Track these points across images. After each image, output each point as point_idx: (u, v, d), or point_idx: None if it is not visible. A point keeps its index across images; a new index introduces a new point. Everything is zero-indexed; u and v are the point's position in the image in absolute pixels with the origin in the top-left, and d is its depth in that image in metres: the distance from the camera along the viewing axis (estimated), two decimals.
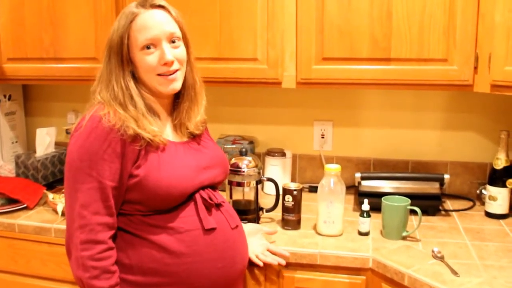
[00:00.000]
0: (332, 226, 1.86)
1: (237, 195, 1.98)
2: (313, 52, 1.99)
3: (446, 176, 2.08)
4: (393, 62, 1.92)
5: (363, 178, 2.14)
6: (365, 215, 1.86)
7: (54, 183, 2.45)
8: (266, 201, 2.17)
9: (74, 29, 2.23)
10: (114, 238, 1.43)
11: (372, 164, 2.40)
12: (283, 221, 1.94)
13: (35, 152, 2.48)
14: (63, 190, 2.11)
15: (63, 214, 2.04)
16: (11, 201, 2.17)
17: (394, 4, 1.88)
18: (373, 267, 1.71)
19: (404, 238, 1.84)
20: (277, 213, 1.99)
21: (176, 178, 1.44)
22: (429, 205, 2.07)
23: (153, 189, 1.40)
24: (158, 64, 1.44)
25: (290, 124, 2.48)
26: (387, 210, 1.84)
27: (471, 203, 2.22)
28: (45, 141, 2.48)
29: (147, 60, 1.44)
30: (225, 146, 2.36)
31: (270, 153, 2.38)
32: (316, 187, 1.91)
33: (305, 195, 2.07)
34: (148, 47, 1.43)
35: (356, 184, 2.17)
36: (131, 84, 1.45)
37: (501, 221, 2.03)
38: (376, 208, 1.91)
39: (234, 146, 2.36)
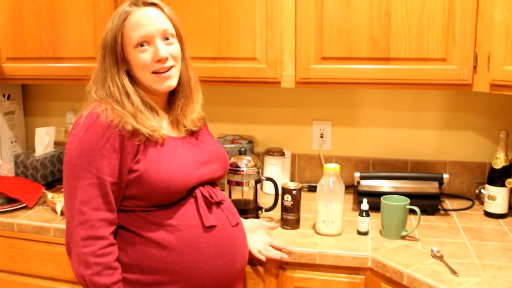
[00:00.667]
0: (331, 225, 1.86)
1: (236, 194, 1.98)
2: (312, 51, 1.99)
3: (445, 176, 2.08)
4: (392, 61, 1.92)
5: (362, 178, 2.14)
6: (364, 214, 1.86)
7: (53, 183, 2.45)
8: (265, 200, 2.17)
9: (73, 29, 2.23)
10: (115, 234, 1.43)
11: (371, 163, 2.40)
12: (282, 220, 1.94)
13: (34, 151, 2.48)
14: (62, 190, 2.11)
15: (62, 213, 2.04)
16: (10, 200, 2.17)
17: (393, 4, 1.88)
18: (372, 266, 1.71)
19: (403, 237, 1.84)
20: (276, 213, 1.99)
21: (176, 171, 1.44)
22: (428, 204, 2.07)
23: (153, 183, 1.40)
24: (152, 61, 1.45)
25: (289, 124, 2.48)
26: (386, 210, 1.84)
27: (470, 203, 2.22)
28: (44, 141, 2.48)
29: (141, 58, 1.44)
30: (224, 145, 2.36)
31: (269, 152, 2.38)
32: (315, 187, 1.91)
33: (304, 195, 2.07)
34: (141, 45, 1.44)
35: (355, 183, 2.17)
36: (126, 82, 1.46)
37: (500, 220, 2.03)
38: (375, 207, 1.92)
39: (233, 145, 2.36)
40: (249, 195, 1.98)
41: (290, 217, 1.92)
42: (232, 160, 1.95)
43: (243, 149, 1.98)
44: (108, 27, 1.47)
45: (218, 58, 2.08)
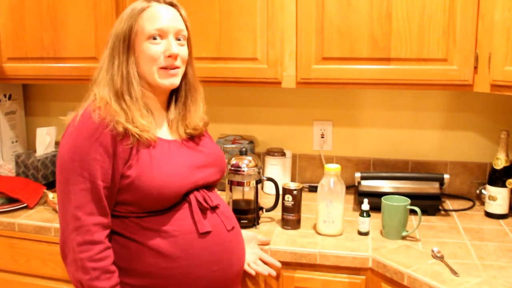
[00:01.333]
0: (332, 225, 1.86)
1: (237, 194, 1.98)
2: (313, 52, 1.99)
3: (446, 176, 2.08)
4: (393, 62, 1.92)
5: (363, 178, 2.14)
6: (364, 214, 1.86)
7: (54, 183, 2.44)
8: (266, 200, 2.17)
9: (74, 29, 2.23)
10: (109, 238, 1.42)
11: (372, 164, 2.40)
12: (283, 220, 1.94)
13: (35, 151, 2.49)
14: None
15: None
16: (11, 200, 2.17)
17: (394, 4, 1.88)
18: (373, 266, 1.71)
19: (403, 238, 1.84)
20: (277, 213, 1.99)
21: (169, 177, 1.42)
22: (429, 205, 2.07)
23: (146, 190, 1.39)
24: (163, 55, 1.44)
25: (290, 124, 2.48)
26: (386, 210, 1.84)
27: (470, 203, 2.22)
28: (45, 141, 2.49)
29: (152, 49, 1.44)
30: (225, 145, 2.36)
31: (270, 152, 2.38)
32: (316, 187, 1.92)
33: (305, 195, 2.07)
34: (154, 38, 1.44)
35: (356, 184, 2.17)
36: (133, 71, 1.44)
37: (501, 221, 2.03)
38: (375, 208, 1.92)
39: (234, 145, 2.36)
40: (250, 195, 1.98)
41: (291, 217, 1.92)
42: (233, 160, 1.95)
43: (244, 149, 1.98)
44: (122, 18, 1.46)
45: (218, 58, 2.09)
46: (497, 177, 2.04)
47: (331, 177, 1.86)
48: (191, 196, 1.48)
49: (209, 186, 1.57)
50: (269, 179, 2.02)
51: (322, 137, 2.44)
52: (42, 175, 2.41)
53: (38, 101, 2.81)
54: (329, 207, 1.84)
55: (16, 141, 2.70)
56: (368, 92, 2.36)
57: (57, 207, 2.03)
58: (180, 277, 1.43)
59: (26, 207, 2.16)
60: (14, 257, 2.07)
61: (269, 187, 2.35)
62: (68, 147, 1.38)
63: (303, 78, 2.02)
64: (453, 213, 2.12)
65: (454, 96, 2.28)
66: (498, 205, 2.04)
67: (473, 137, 2.30)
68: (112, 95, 1.42)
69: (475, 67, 1.85)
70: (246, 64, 2.06)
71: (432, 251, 1.70)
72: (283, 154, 2.37)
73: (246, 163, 1.94)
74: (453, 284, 1.50)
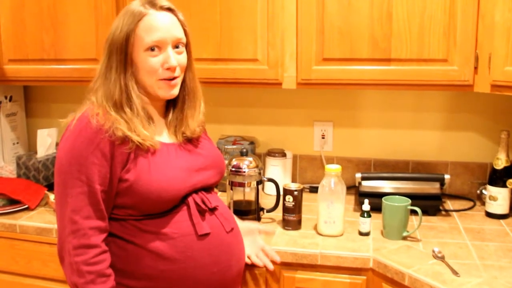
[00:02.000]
0: (333, 226, 1.86)
1: (238, 195, 1.99)
2: (313, 52, 1.99)
3: (447, 176, 2.08)
4: (393, 62, 1.93)
5: (363, 179, 2.14)
6: (365, 215, 1.86)
7: (54, 187, 2.45)
8: (267, 201, 2.17)
9: (75, 30, 2.23)
10: (107, 241, 1.42)
11: (373, 164, 2.40)
12: (284, 221, 1.94)
13: (36, 153, 2.49)
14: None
15: None
16: (12, 201, 2.18)
17: (394, 5, 1.89)
18: (374, 267, 1.71)
19: (404, 238, 1.84)
20: (278, 214, 1.99)
21: (167, 181, 1.42)
22: (430, 205, 2.07)
23: (144, 193, 1.38)
24: (161, 67, 1.43)
25: (291, 125, 2.48)
26: (387, 210, 1.84)
27: (471, 203, 2.22)
28: (46, 142, 2.49)
29: (151, 62, 1.42)
30: (225, 146, 2.36)
31: (271, 153, 2.38)
32: (317, 188, 1.92)
33: (306, 196, 2.07)
34: (152, 49, 1.41)
35: (357, 184, 2.17)
36: (132, 84, 1.43)
37: (502, 221, 2.03)
38: (376, 208, 1.92)
39: (234, 146, 2.36)
40: (251, 196, 1.98)
41: (292, 218, 1.92)
42: (234, 161, 1.95)
43: (244, 150, 1.98)
44: (119, 24, 1.42)
45: (219, 59, 2.09)
46: (497, 177, 2.04)
47: (332, 178, 1.86)
48: (190, 199, 1.48)
49: (208, 188, 1.57)
50: (270, 180, 2.02)
51: (323, 138, 2.44)
52: (43, 176, 2.42)
53: (39, 102, 2.81)
54: (330, 208, 1.84)
55: (17, 143, 2.71)
56: (368, 93, 2.37)
57: None
58: (179, 279, 1.43)
59: (27, 209, 2.16)
60: (15, 259, 2.07)
61: (270, 188, 2.35)
62: (66, 150, 1.38)
63: (304, 79, 2.02)
64: (454, 213, 2.12)
65: (455, 97, 2.28)
66: (498, 205, 2.04)
67: (474, 137, 2.30)
68: (111, 105, 1.41)
69: (476, 68, 1.85)
70: (247, 65, 2.07)
71: (433, 251, 1.71)
72: (283, 155, 2.38)
73: (246, 164, 1.94)
74: (454, 285, 1.50)
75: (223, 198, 1.70)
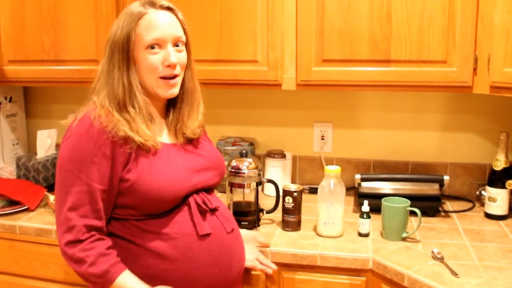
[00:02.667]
0: (332, 227, 1.86)
1: (238, 196, 1.99)
2: (313, 54, 1.99)
3: (446, 177, 2.08)
4: (393, 63, 1.93)
5: (363, 180, 2.14)
6: (365, 216, 1.86)
7: (55, 185, 2.45)
8: (267, 202, 2.17)
9: (75, 31, 2.23)
10: (112, 244, 1.42)
11: (372, 165, 2.41)
12: (283, 222, 1.94)
13: (36, 154, 2.49)
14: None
15: None
16: (12, 202, 2.18)
17: (394, 6, 1.89)
18: (373, 268, 1.71)
19: (404, 239, 1.84)
20: (277, 215, 1.99)
21: (168, 180, 1.42)
22: (429, 206, 2.07)
23: (145, 193, 1.39)
24: (162, 65, 1.43)
25: (290, 126, 2.48)
26: (387, 211, 1.84)
27: (470, 204, 2.22)
28: (46, 143, 2.49)
29: (151, 60, 1.43)
30: (225, 147, 2.36)
31: (270, 154, 2.38)
32: (316, 189, 1.92)
33: (305, 197, 2.07)
34: (152, 47, 1.42)
35: (356, 185, 2.17)
36: (136, 82, 1.43)
37: (501, 222, 2.04)
38: (376, 209, 1.92)
39: (234, 147, 2.37)
40: (250, 197, 1.98)
41: (291, 219, 1.92)
42: (233, 162, 1.96)
43: (244, 151, 1.98)
44: (119, 24, 1.44)
45: (219, 60, 2.09)
46: (496, 178, 2.05)
47: (331, 179, 1.86)
48: (191, 199, 1.48)
49: (208, 189, 1.57)
50: (270, 181, 2.02)
51: (322, 139, 2.45)
52: (43, 177, 2.42)
53: (38, 103, 2.81)
54: (330, 209, 1.85)
55: (17, 144, 2.71)
56: (368, 94, 2.37)
57: None
58: (180, 280, 1.43)
59: (27, 210, 2.16)
60: (15, 260, 2.07)
61: (269, 189, 2.35)
62: (68, 149, 1.39)
63: (303, 80, 2.02)
64: (453, 214, 2.12)
65: (454, 98, 2.29)
66: (498, 206, 2.05)
67: (473, 138, 2.30)
68: (114, 106, 1.41)
69: (475, 69, 1.86)
70: (247, 66, 2.07)
71: (432, 252, 1.71)
72: (283, 156, 2.38)
73: (246, 165, 1.94)
74: (453, 285, 1.50)
75: (222, 199, 1.70)
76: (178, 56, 1.46)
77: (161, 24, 1.43)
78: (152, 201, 1.40)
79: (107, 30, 2.14)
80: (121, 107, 1.42)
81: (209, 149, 1.65)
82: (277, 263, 1.77)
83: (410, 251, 1.75)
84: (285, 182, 2.32)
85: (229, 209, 1.89)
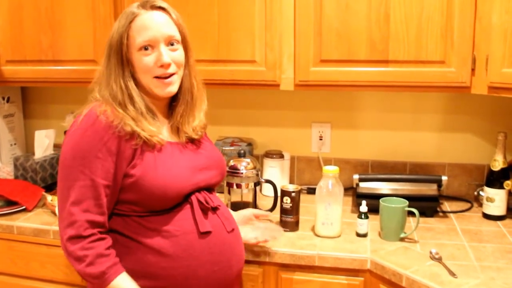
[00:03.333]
0: (330, 227, 1.86)
1: (236, 196, 1.99)
2: (311, 54, 1.99)
3: (444, 178, 2.09)
4: (391, 64, 1.93)
5: (361, 180, 2.14)
6: (363, 216, 1.86)
7: (53, 185, 2.45)
8: (265, 202, 2.17)
9: (73, 32, 2.23)
10: (114, 241, 1.43)
11: (370, 165, 2.41)
12: (281, 222, 1.94)
13: (33, 154, 2.49)
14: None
15: None
16: (10, 203, 2.17)
17: (392, 7, 1.89)
18: (371, 268, 1.71)
19: (402, 239, 1.84)
20: (275, 215, 1.99)
21: (172, 178, 1.43)
22: (427, 206, 2.07)
23: (149, 189, 1.40)
24: (155, 65, 1.44)
25: (289, 126, 2.48)
26: (385, 212, 1.84)
27: (468, 205, 2.23)
28: (44, 143, 2.49)
29: (144, 61, 1.44)
30: (223, 148, 2.36)
31: (269, 155, 2.38)
32: (314, 189, 1.92)
33: (303, 197, 2.07)
34: (145, 48, 1.44)
35: (354, 185, 2.17)
36: (131, 84, 1.45)
37: (499, 222, 2.04)
38: (374, 209, 1.92)
39: (232, 148, 2.36)
40: (248, 198, 1.98)
41: (289, 219, 1.92)
42: (231, 162, 1.96)
43: (242, 151, 1.98)
44: (115, 27, 1.47)
45: (217, 60, 2.09)
46: (494, 179, 2.05)
47: (330, 179, 1.86)
48: (193, 197, 1.49)
49: (209, 189, 1.58)
50: (268, 181, 2.02)
51: (321, 139, 2.45)
52: (41, 177, 2.41)
53: (36, 103, 2.81)
54: (328, 209, 1.85)
55: (15, 144, 2.70)
56: (366, 94, 2.37)
57: (55, 210, 2.04)
58: (181, 277, 1.43)
59: (25, 210, 2.16)
60: (13, 260, 2.07)
61: (267, 189, 2.35)
62: (72, 145, 1.39)
63: (302, 81, 2.02)
64: (451, 214, 2.12)
65: (452, 98, 2.29)
66: (496, 207, 2.05)
67: (471, 139, 2.30)
68: (116, 105, 1.43)
69: (473, 69, 1.86)
70: (245, 66, 2.07)
71: (430, 252, 1.71)
72: (281, 156, 2.38)
73: (244, 165, 1.95)
74: (451, 286, 1.50)
75: (220, 199, 1.70)
76: (171, 55, 1.46)
77: (152, 24, 1.44)
78: (155, 197, 1.41)
79: (105, 31, 2.16)
80: (123, 107, 1.43)
81: (210, 149, 1.66)
82: (275, 263, 1.78)
83: (408, 251, 1.75)
84: (283, 182, 2.32)
85: None
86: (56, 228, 1.98)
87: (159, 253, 1.42)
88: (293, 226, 1.93)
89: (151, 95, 1.50)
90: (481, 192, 2.17)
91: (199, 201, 1.49)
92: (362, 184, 2.15)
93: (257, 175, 1.97)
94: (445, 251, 1.74)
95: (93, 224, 1.38)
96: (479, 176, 2.29)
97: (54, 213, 2.08)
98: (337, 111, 2.41)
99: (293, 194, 1.90)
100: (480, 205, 2.15)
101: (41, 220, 2.07)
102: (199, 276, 1.45)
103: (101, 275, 1.36)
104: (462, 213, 2.14)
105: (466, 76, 1.87)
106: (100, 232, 1.40)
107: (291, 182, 2.46)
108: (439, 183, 2.10)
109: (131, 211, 1.44)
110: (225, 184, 1.98)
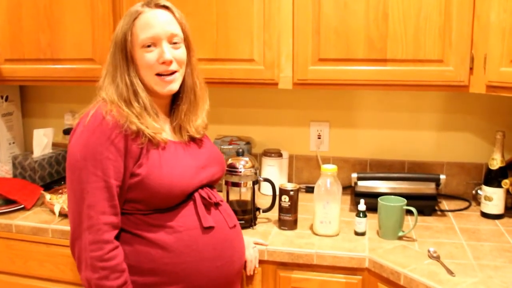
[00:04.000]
0: (329, 226, 1.87)
1: (234, 195, 1.99)
2: (309, 53, 1.99)
3: (442, 177, 2.09)
4: (389, 63, 1.93)
5: (359, 179, 2.14)
6: (361, 215, 1.87)
7: (51, 184, 2.45)
8: (263, 201, 2.17)
9: (71, 30, 2.23)
10: (117, 237, 1.43)
11: (369, 164, 2.41)
12: (280, 221, 1.94)
13: (32, 153, 2.48)
14: (60, 191, 2.11)
15: (60, 214, 2.04)
16: (8, 201, 2.17)
17: (390, 5, 1.89)
18: (370, 267, 1.72)
19: (400, 238, 1.84)
20: (274, 214, 1.99)
21: (177, 176, 1.44)
22: (425, 205, 2.08)
23: (154, 188, 1.41)
24: (157, 62, 1.45)
25: (287, 125, 2.48)
26: (383, 210, 1.84)
27: (467, 203, 2.23)
28: (42, 142, 2.49)
29: (146, 58, 1.45)
30: (222, 146, 2.36)
31: (267, 153, 2.39)
32: (313, 188, 1.92)
33: (302, 196, 2.08)
34: (148, 45, 1.45)
35: (353, 184, 2.17)
36: (136, 80, 1.46)
37: (497, 221, 2.04)
38: (372, 208, 1.92)
39: (231, 146, 2.37)
40: (247, 196, 1.98)
41: (288, 218, 1.92)
42: (230, 161, 1.96)
43: (240, 150, 1.98)
44: (120, 25, 1.48)
45: (215, 59, 2.09)
46: (492, 178, 2.05)
47: (328, 178, 1.86)
48: (196, 194, 1.51)
49: (210, 185, 1.59)
50: (266, 180, 2.02)
51: (319, 138, 2.45)
52: (39, 176, 2.41)
53: (35, 102, 2.81)
54: (326, 208, 1.85)
55: (13, 143, 2.70)
56: (364, 93, 2.37)
57: (54, 209, 2.04)
58: (183, 273, 1.44)
59: (23, 209, 2.16)
60: (12, 259, 2.07)
61: (266, 188, 2.35)
62: (81, 146, 1.39)
63: (300, 79, 2.02)
64: (449, 213, 2.12)
65: (450, 97, 2.29)
66: (494, 205, 2.05)
67: (469, 137, 2.31)
68: (122, 102, 1.44)
69: (471, 68, 1.86)
70: (243, 65, 2.07)
71: (429, 251, 1.71)
72: (280, 155, 2.38)
73: (243, 164, 1.95)
74: (449, 284, 1.51)
75: None
76: (174, 53, 1.48)
77: (155, 22, 1.45)
78: (161, 195, 1.42)
79: (104, 29, 2.16)
80: (128, 103, 1.44)
81: (210, 146, 1.69)
82: (273, 262, 1.78)
83: (406, 250, 1.76)
84: (281, 181, 2.32)
85: None
86: (55, 226, 1.98)
87: (162, 248, 1.43)
88: (291, 224, 1.93)
89: (153, 93, 1.51)
90: (479, 191, 2.17)
91: (201, 197, 1.51)
92: (360, 183, 2.15)
93: (256, 173, 1.97)
94: (443, 250, 1.74)
95: (110, 226, 1.38)
96: (477, 175, 2.29)
97: (52, 211, 2.08)
98: (335, 110, 2.41)
99: (291, 192, 1.90)
100: (478, 203, 2.15)
101: (40, 218, 2.07)
102: (202, 271, 1.46)
103: None
104: (460, 211, 2.15)
105: (464, 75, 1.87)
106: (115, 237, 1.40)
107: (290, 180, 2.46)
108: (437, 182, 2.10)
109: (135, 210, 1.45)
110: (223, 183, 1.98)
